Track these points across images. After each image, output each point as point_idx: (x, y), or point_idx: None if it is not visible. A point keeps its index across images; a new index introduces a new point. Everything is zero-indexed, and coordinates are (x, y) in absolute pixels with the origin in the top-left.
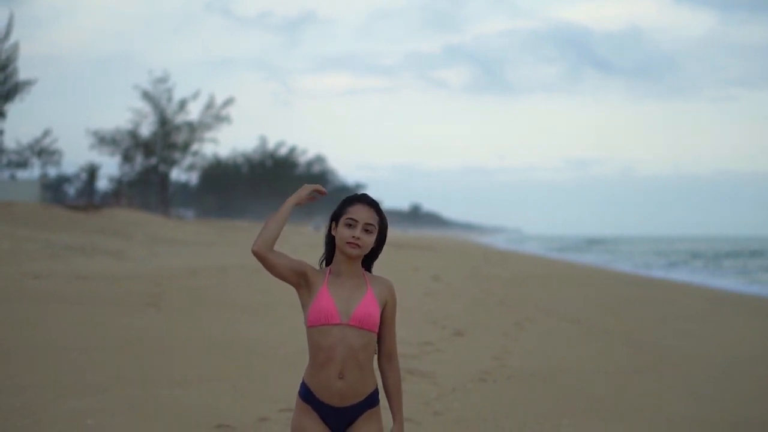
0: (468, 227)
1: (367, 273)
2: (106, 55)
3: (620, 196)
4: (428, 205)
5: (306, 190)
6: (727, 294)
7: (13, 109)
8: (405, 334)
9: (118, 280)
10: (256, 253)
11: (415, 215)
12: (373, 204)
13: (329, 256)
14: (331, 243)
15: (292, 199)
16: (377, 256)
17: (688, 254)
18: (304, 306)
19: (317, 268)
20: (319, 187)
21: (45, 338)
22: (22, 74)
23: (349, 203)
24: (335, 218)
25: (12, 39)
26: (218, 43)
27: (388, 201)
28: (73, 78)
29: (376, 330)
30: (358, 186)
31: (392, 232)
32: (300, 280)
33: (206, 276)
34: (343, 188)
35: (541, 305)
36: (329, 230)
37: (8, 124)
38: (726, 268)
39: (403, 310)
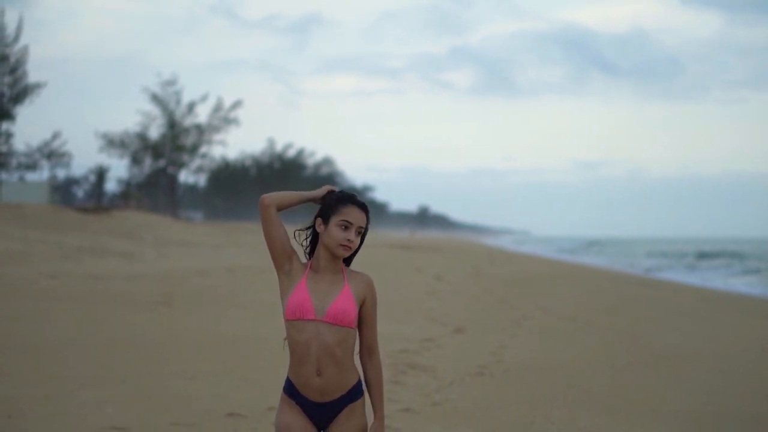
0: (476, 229)
1: (347, 269)
2: (113, 58)
3: (628, 197)
4: (436, 207)
5: (324, 191)
6: (721, 294)
7: (22, 111)
8: (407, 331)
9: (130, 280)
10: (263, 200)
11: (423, 217)
12: (365, 208)
13: (311, 252)
14: (314, 239)
15: (312, 194)
16: (355, 254)
17: (689, 255)
18: (282, 295)
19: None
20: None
21: (64, 334)
22: (32, 77)
23: (342, 203)
24: (323, 215)
25: (21, 42)
26: (224, 45)
27: (397, 203)
28: (82, 80)
29: (353, 326)
30: (366, 188)
31: (398, 234)
32: (285, 261)
33: (215, 276)
34: (352, 190)
35: (539, 304)
36: (313, 226)
37: (18, 127)
38: (725, 268)
39: (406, 308)
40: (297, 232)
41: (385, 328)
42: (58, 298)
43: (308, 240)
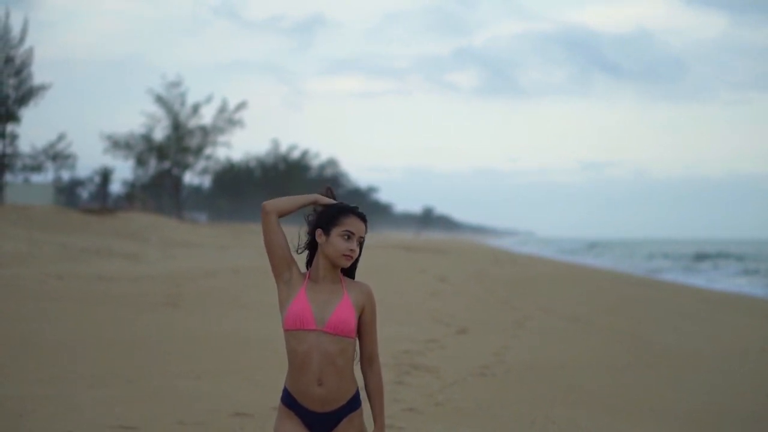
0: (480, 230)
1: (345, 278)
2: (117, 59)
3: (633, 198)
4: (441, 208)
5: (327, 200)
6: (722, 294)
7: (27, 113)
8: (411, 332)
9: (136, 281)
10: (264, 206)
11: (428, 218)
12: (365, 219)
13: (308, 262)
14: (312, 249)
15: (314, 197)
16: (357, 265)
17: (691, 257)
18: (281, 304)
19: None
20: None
21: (72, 334)
22: (36, 78)
23: (343, 214)
24: (323, 226)
25: (26, 44)
26: (227, 46)
27: (401, 204)
28: (86, 82)
29: (353, 336)
30: (371, 189)
31: (402, 235)
32: (285, 270)
33: (221, 277)
34: (356, 191)
35: (541, 304)
36: (312, 236)
37: (23, 129)
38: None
39: (410, 310)
40: (298, 249)
41: (389, 329)
42: (65, 298)
43: (306, 250)
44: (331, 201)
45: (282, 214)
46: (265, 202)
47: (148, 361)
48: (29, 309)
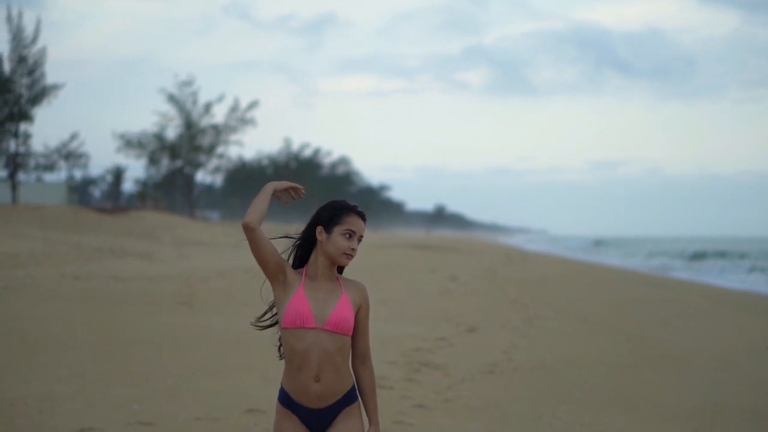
0: (493, 228)
1: (341, 277)
2: (129, 59)
3: (645, 197)
4: (453, 207)
5: (284, 184)
6: (727, 292)
7: (40, 112)
8: (421, 331)
9: (151, 281)
10: (247, 225)
11: (440, 216)
12: (365, 217)
13: (304, 258)
14: (308, 245)
15: (272, 185)
16: None
17: (698, 254)
18: (278, 304)
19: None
20: (296, 186)
21: (91, 333)
22: (49, 78)
23: (345, 213)
24: (324, 223)
25: (39, 43)
26: (238, 46)
27: (413, 202)
28: (99, 81)
29: (351, 333)
30: (383, 187)
31: (414, 234)
32: (279, 274)
33: (235, 277)
34: (368, 189)
35: (551, 304)
36: (313, 233)
37: (36, 128)
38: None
39: (420, 308)
40: (291, 252)
41: (399, 328)
42: (81, 298)
43: (296, 249)
44: (286, 182)
45: (262, 220)
46: (246, 220)
47: (164, 359)
48: (46, 309)
